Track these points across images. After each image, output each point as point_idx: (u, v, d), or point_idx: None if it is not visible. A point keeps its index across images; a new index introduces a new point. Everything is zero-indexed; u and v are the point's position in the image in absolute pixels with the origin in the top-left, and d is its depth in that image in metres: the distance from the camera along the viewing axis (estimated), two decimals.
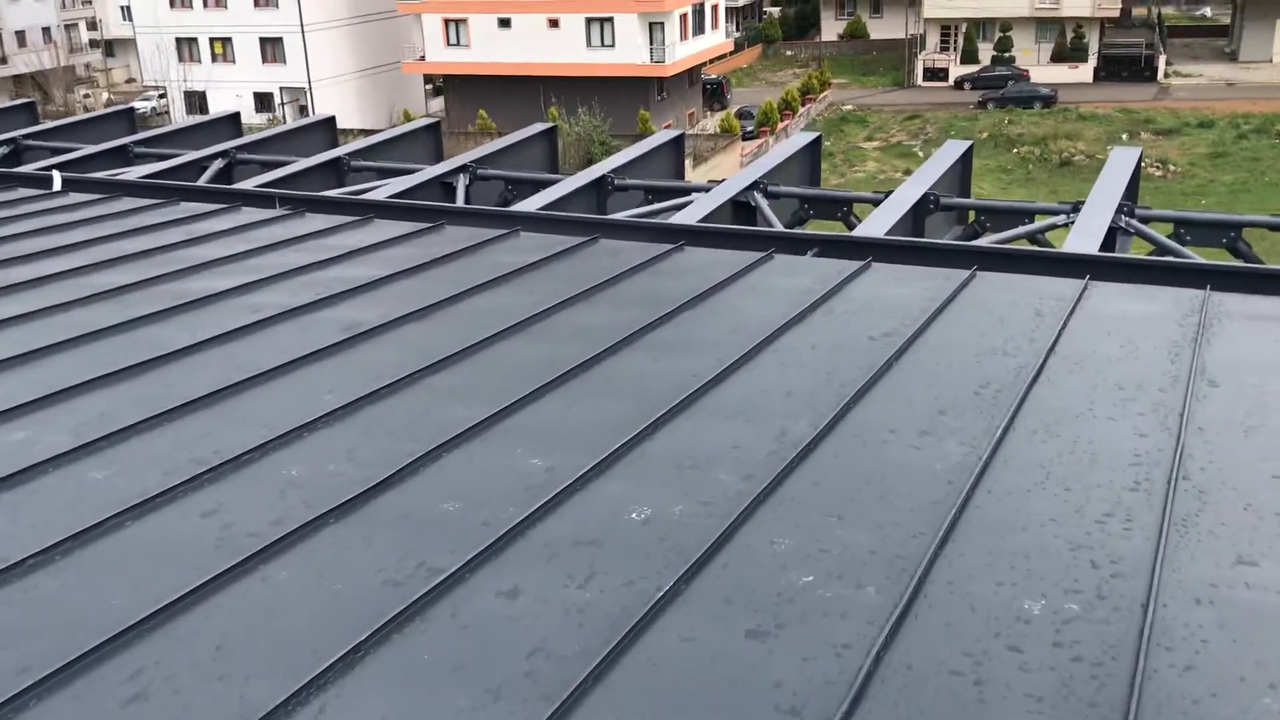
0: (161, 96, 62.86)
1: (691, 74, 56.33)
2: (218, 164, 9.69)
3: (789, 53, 71.49)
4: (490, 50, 53.19)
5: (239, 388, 4.16)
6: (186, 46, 61.61)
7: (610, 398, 4.04)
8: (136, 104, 65.15)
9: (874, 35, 70.38)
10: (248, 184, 8.69)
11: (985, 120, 52.00)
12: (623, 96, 50.64)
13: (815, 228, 7.92)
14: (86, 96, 67.98)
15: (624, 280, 5.51)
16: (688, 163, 44.90)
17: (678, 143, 9.74)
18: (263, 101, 59.89)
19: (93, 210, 7.29)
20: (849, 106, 56.73)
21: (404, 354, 4.48)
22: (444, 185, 8.80)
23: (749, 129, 51.07)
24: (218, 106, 59.16)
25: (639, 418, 3.77)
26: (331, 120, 11.30)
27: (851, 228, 7.97)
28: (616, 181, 8.54)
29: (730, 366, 4.25)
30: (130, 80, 72.28)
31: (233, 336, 4.75)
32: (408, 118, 56.30)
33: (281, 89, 59.89)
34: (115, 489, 3.35)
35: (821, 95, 57.27)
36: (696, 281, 5.34)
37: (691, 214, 7.32)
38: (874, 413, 3.85)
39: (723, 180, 8.27)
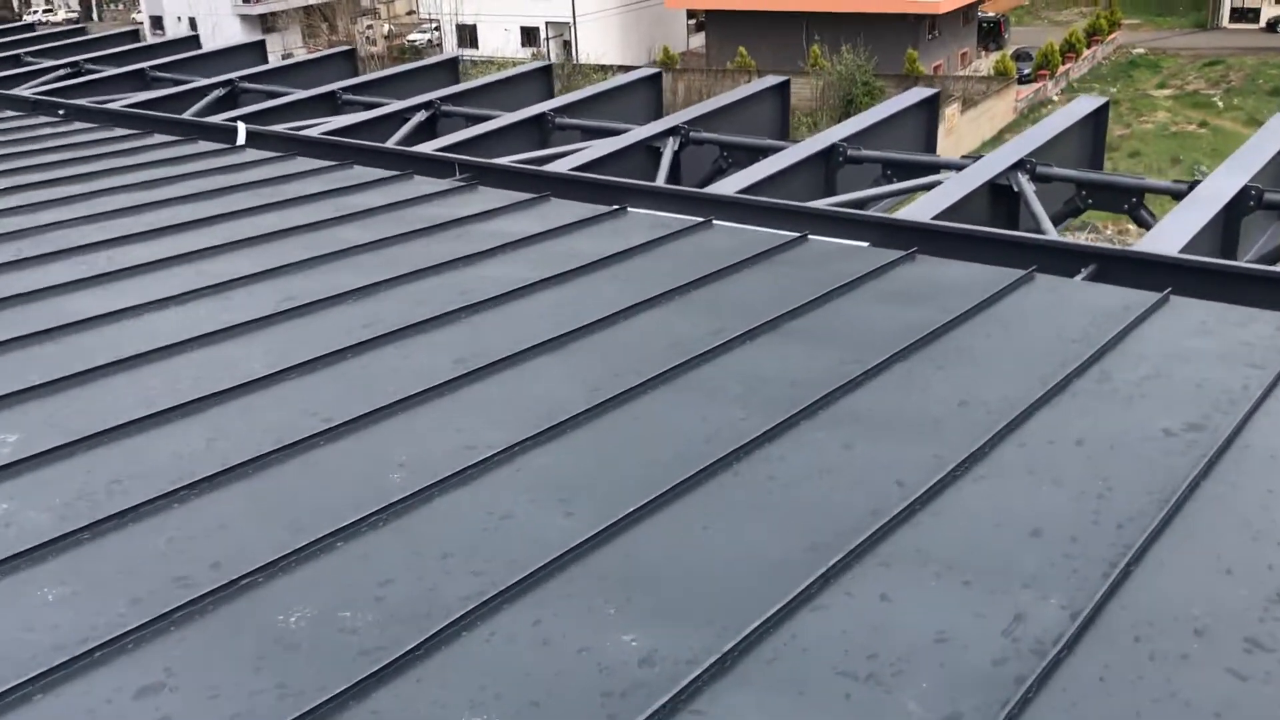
0: (437, 29, 64.43)
1: (966, 11, 52.79)
2: (420, 116, 8.90)
3: None
4: None
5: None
6: None
7: (753, 520, 2.84)
8: (414, 35, 67.29)
9: None
10: (441, 142, 7.86)
11: None
12: (889, 34, 47.96)
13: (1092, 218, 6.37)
14: (370, 28, 70.44)
15: (830, 304, 4.26)
16: (954, 108, 42.10)
17: (930, 104, 8.24)
18: (529, 36, 60.36)
19: (258, 172, 6.58)
20: (1140, 50, 51.87)
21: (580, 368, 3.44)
22: (650, 149, 7.69)
23: (1026, 72, 47.42)
24: (487, 40, 60.14)
25: (785, 556, 2.59)
26: (548, 69, 10.35)
27: (1142, 224, 6.36)
28: (850, 152, 7.18)
29: (948, 475, 2.96)
30: (410, 12, 74.45)
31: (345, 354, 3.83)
32: (667, 55, 55.58)
33: (547, 24, 60.14)
34: None
35: (1110, 37, 52.54)
36: (919, 316, 4.03)
37: (936, 200, 5.93)
38: (1164, 585, 2.51)
39: (979, 156, 6.79)
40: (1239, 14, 54.30)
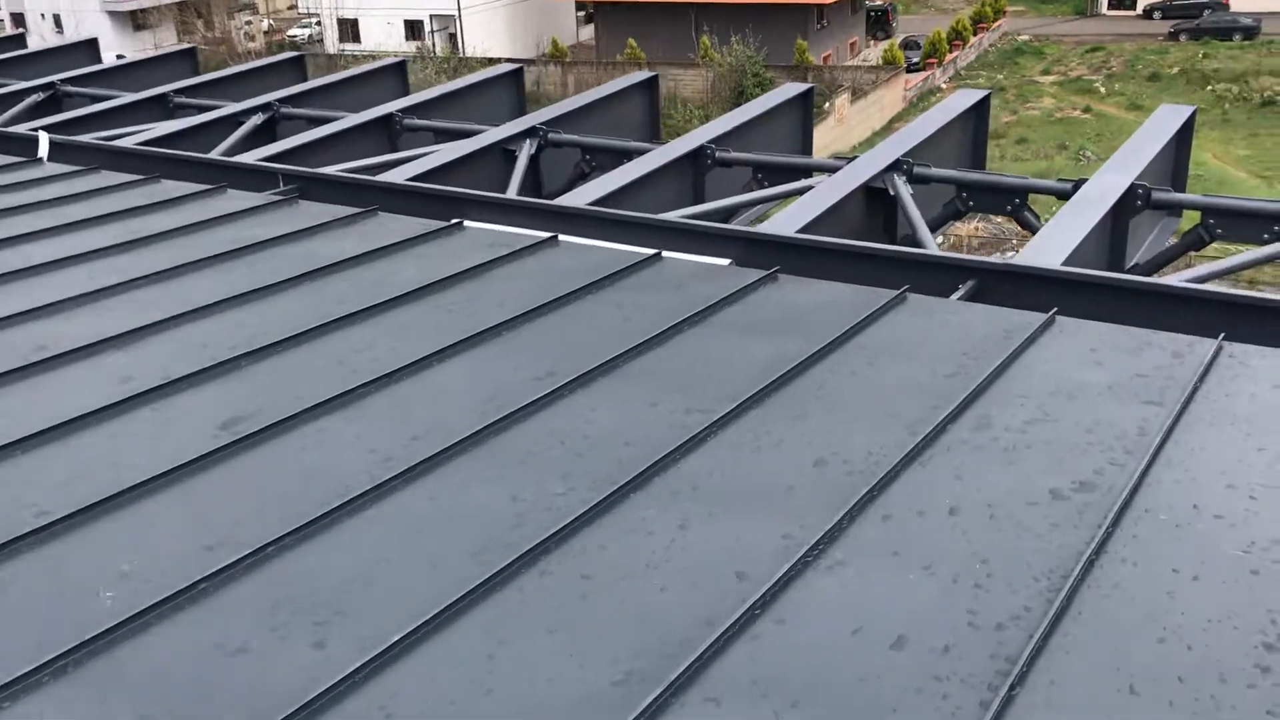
0: (318, 24, 62.75)
1: (854, 0, 53.01)
2: (256, 119, 8.17)
3: None
4: None
5: None
6: None
7: (556, 641, 2.28)
8: (294, 31, 65.39)
9: None
10: (272, 149, 7.16)
11: (1176, 54, 47.37)
12: (780, 24, 47.86)
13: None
14: (248, 23, 68.29)
15: (679, 338, 3.72)
16: (844, 98, 42.12)
17: (804, 100, 7.77)
18: (413, 29, 59.03)
19: (49, 190, 5.81)
20: (1025, 37, 52.60)
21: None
22: (506, 153, 7.08)
23: (915, 61, 47.69)
24: (370, 34, 58.65)
25: (590, 691, 2.04)
26: (401, 65, 9.66)
27: (1026, 226, 5.95)
28: (719, 154, 6.67)
29: (798, 563, 2.44)
30: (291, 6, 72.28)
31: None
32: (556, 47, 54.83)
33: (431, 16, 58.88)
34: None
35: (995, 24, 53.20)
36: (778, 349, 3.51)
37: (808, 207, 5.44)
38: (1053, 715, 2.02)
39: (853, 157, 6.32)
40: (1118, 1, 55.41)
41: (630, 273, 4.34)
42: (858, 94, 43.28)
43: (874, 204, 5.92)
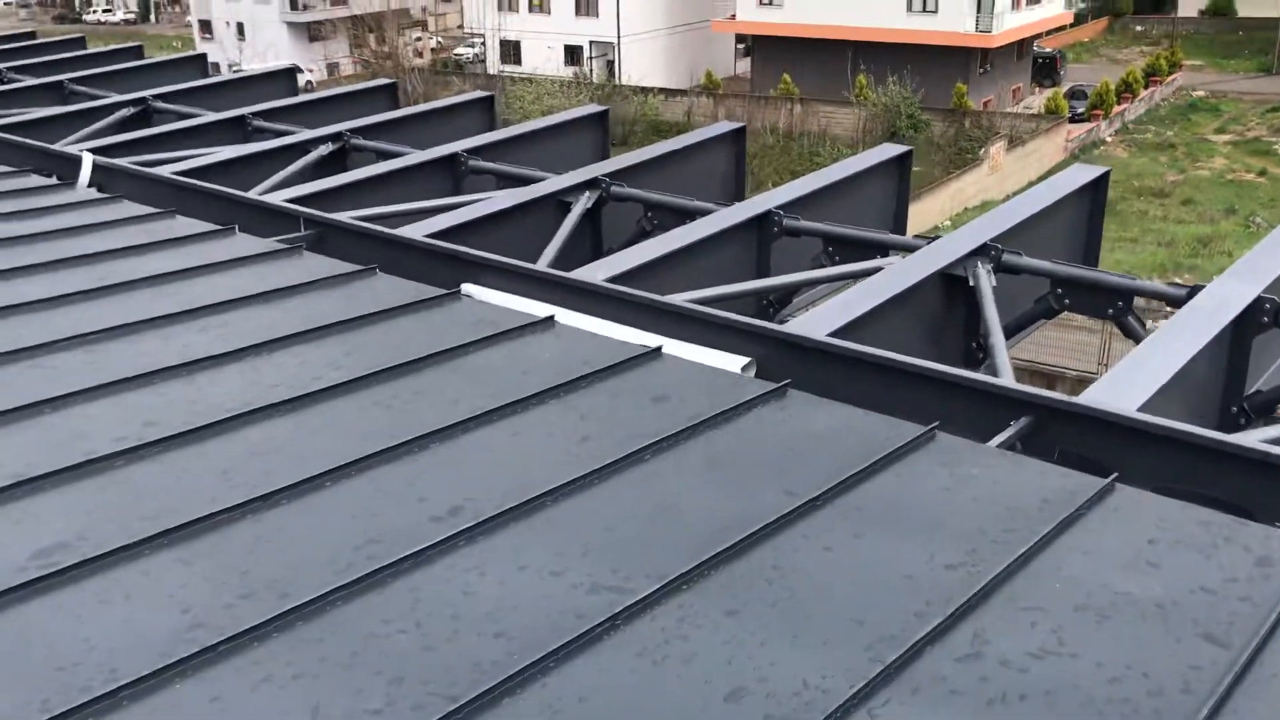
0: (483, 44, 63.87)
1: (1021, 46, 51.23)
2: (324, 149, 7.78)
3: (1139, 28, 64.38)
4: (802, 11, 50.12)
5: None
6: None
7: None
8: (460, 50, 66.73)
9: (1242, 13, 62.07)
10: (318, 185, 6.73)
11: None
12: (939, 66, 46.48)
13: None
14: (418, 40, 70.04)
15: (618, 479, 3.03)
16: (999, 146, 40.52)
17: (901, 163, 6.97)
18: (572, 55, 59.49)
19: (50, 221, 5.44)
20: (1200, 92, 49.99)
21: None
22: (561, 204, 6.49)
23: (1079, 111, 45.73)
24: (531, 58, 59.33)
25: None
26: (489, 100, 9.18)
27: (1129, 334, 5.06)
28: (786, 222, 5.94)
29: None
30: (459, 26, 73.78)
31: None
32: (710, 79, 54.42)
33: (591, 43, 59.22)
34: None
35: (1170, 78, 50.71)
36: (750, 499, 2.80)
37: (866, 295, 4.69)
38: None
39: (935, 236, 5.51)
40: None
41: (612, 374, 3.67)
42: (1015, 142, 41.64)
43: (953, 295, 5.11)
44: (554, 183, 6.64)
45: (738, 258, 6.01)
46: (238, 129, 8.61)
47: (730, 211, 6.05)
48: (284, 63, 8.99)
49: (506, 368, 3.74)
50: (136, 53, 11.95)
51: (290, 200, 6.52)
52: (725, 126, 7.71)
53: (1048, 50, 54.30)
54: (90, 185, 6.60)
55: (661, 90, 52.39)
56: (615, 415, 3.41)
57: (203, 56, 11.38)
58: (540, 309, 4.50)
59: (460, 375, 3.69)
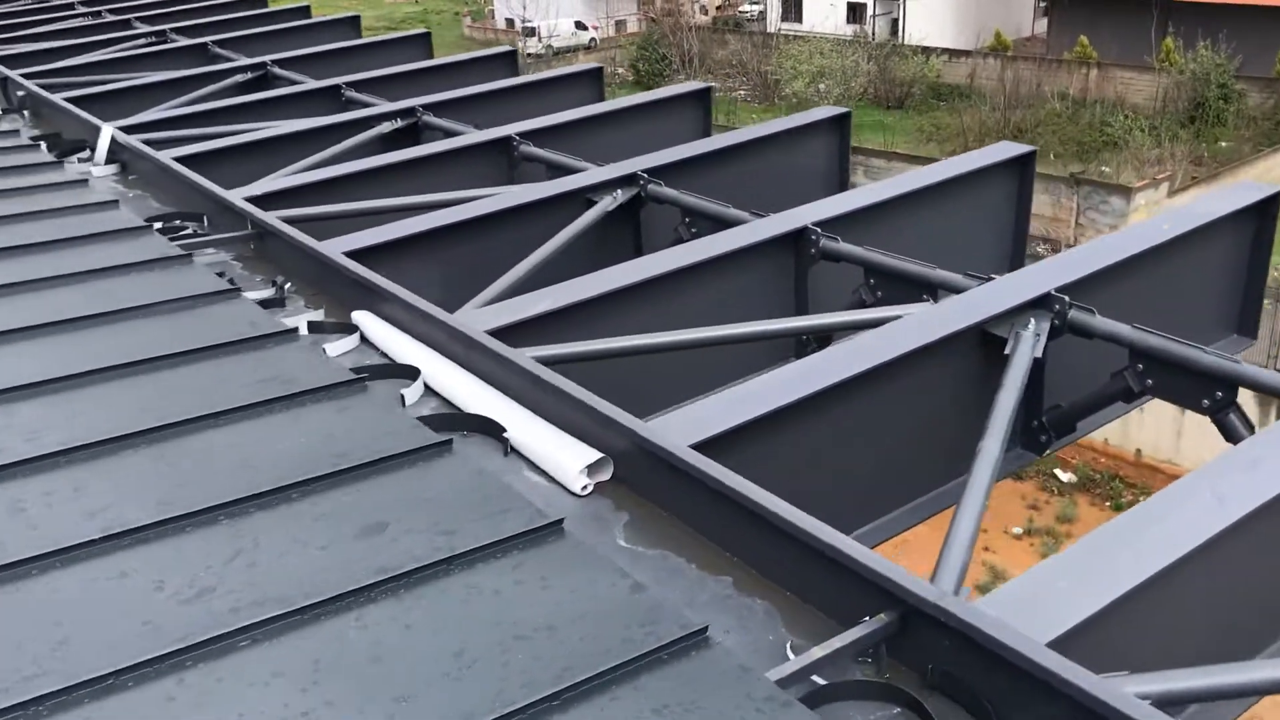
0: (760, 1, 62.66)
1: None
2: (389, 125, 7.10)
3: None
4: None
5: None
6: None
7: None
8: (745, 7, 65.64)
9: None
10: (367, 163, 6.09)
11: None
12: (1261, 29, 41.36)
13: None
14: None
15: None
16: None
17: (1023, 166, 5.50)
18: (855, 12, 57.21)
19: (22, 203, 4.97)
20: None
21: None
22: (589, 202, 5.50)
23: None
24: (811, 14, 57.47)
25: None
26: (598, 73, 8.19)
27: (1229, 435, 3.58)
28: (824, 242, 4.70)
29: None
30: None
31: None
32: (999, 39, 50.71)
33: (875, 0, 56.71)
34: None
35: None
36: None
37: (883, 346, 3.50)
38: None
39: (989, 277, 4.15)
40: None
41: (356, 478, 2.71)
42: None
43: (992, 356, 3.79)
44: (585, 177, 5.66)
45: (771, 283, 4.85)
46: (334, 98, 8.07)
47: (759, 226, 4.88)
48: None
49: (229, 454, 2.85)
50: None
51: (314, 183, 5.89)
52: (826, 112, 6.43)
53: None
54: (109, 162, 6.19)
55: (945, 51, 49.38)
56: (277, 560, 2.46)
57: (356, 18, 10.94)
58: (420, 355, 3.62)
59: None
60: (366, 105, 7.69)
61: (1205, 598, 2.66)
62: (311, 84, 8.19)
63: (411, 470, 2.77)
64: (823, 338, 4.71)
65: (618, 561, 2.59)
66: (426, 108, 7.25)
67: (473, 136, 6.58)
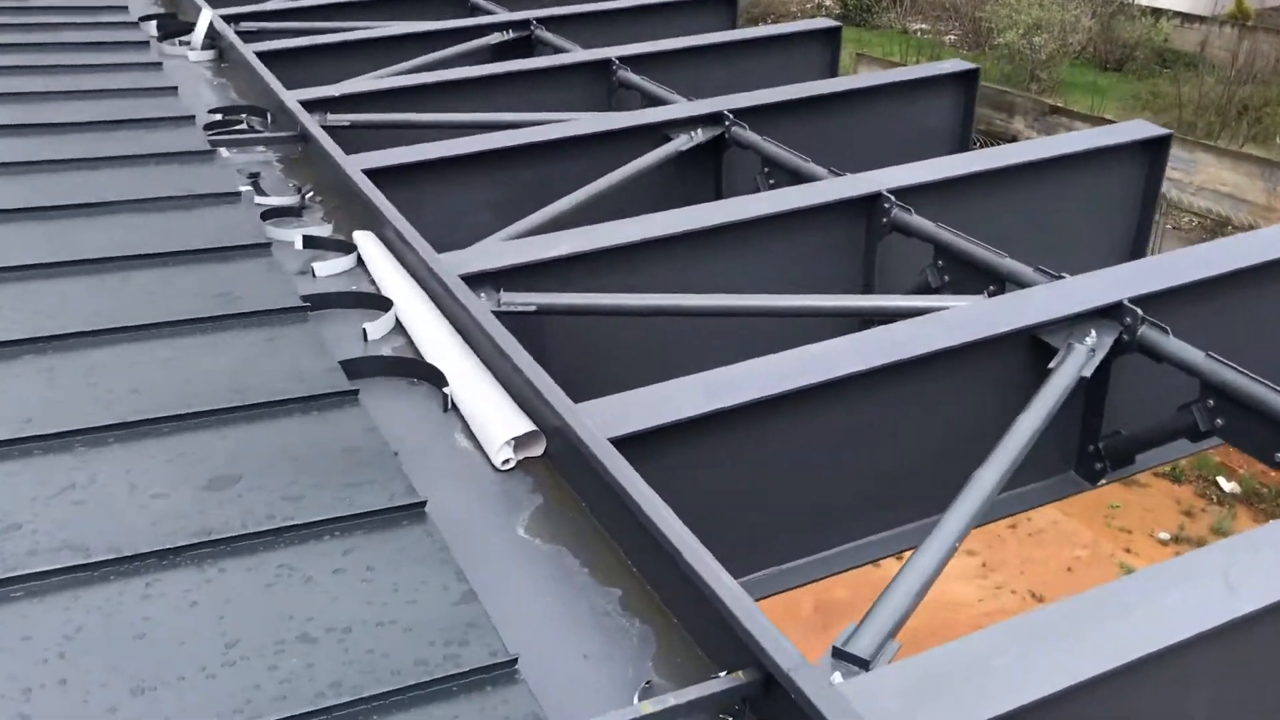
0: None
1: None
2: (500, 37, 6.81)
3: None
4: None
5: None
6: None
7: None
8: None
9: None
10: (462, 73, 5.83)
11: None
12: None
13: None
14: None
15: None
16: None
17: (1157, 149, 4.82)
18: None
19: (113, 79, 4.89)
20: None
21: None
22: (665, 138, 5.10)
23: None
24: None
25: None
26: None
27: None
28: (896, 213, 4.20)
29: None
30: None
31: None
32: (1240, 6, 46.72)
33: None
34: None
35: None
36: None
37: (914, 336, 3.07)
38: None
39: (1060, 275, 3.60)
40: None
41: (238, 419, 2.46)
42: None
43: (1040, 364, 3.27)
44: (666, 111, 5.25)
45: (839, 254, 4.39)
46: (459, 2, 7.81)
47: (829, 185, 4.41)
48: None
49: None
50: None
51: (389, 90, 5.65)
52: (954, 66, 5.82)
53: None
54: (211, 47, 6.10)
55: (1178, 14, 46.00)
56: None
57: None
58: (402, 287, 3.37)
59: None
60: (489, 13, 7.42)
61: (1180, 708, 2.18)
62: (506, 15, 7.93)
63: (302, 419, 2.51)
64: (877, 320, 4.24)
65: (511, 554, 2.30)
66: (540, 21, 6.92)
67: (570, 57, 6.23)
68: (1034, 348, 3.31)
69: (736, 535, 3.02)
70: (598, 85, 6.13)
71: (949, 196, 4.34)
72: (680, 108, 5.26)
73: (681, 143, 5.00)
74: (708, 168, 5.24)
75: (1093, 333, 3.26)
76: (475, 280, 3.49)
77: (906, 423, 3.14)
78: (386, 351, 3.11)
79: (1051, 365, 3.17)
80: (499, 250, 3.80)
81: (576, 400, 2.61)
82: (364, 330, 3.16)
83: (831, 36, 6.67)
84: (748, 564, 3.02)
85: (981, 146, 7.01)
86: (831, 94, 5.46)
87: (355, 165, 4.06)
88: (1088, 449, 3.55)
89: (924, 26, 52.03)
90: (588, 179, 4.69)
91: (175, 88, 4.90)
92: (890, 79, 5.65)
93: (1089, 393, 3.41)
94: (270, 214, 3.88)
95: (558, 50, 6.60)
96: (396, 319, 3.27)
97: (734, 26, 7.56)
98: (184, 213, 3.58)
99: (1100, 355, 3.21)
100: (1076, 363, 3.15)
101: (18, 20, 5.62)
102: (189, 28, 6.48)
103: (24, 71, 4.85)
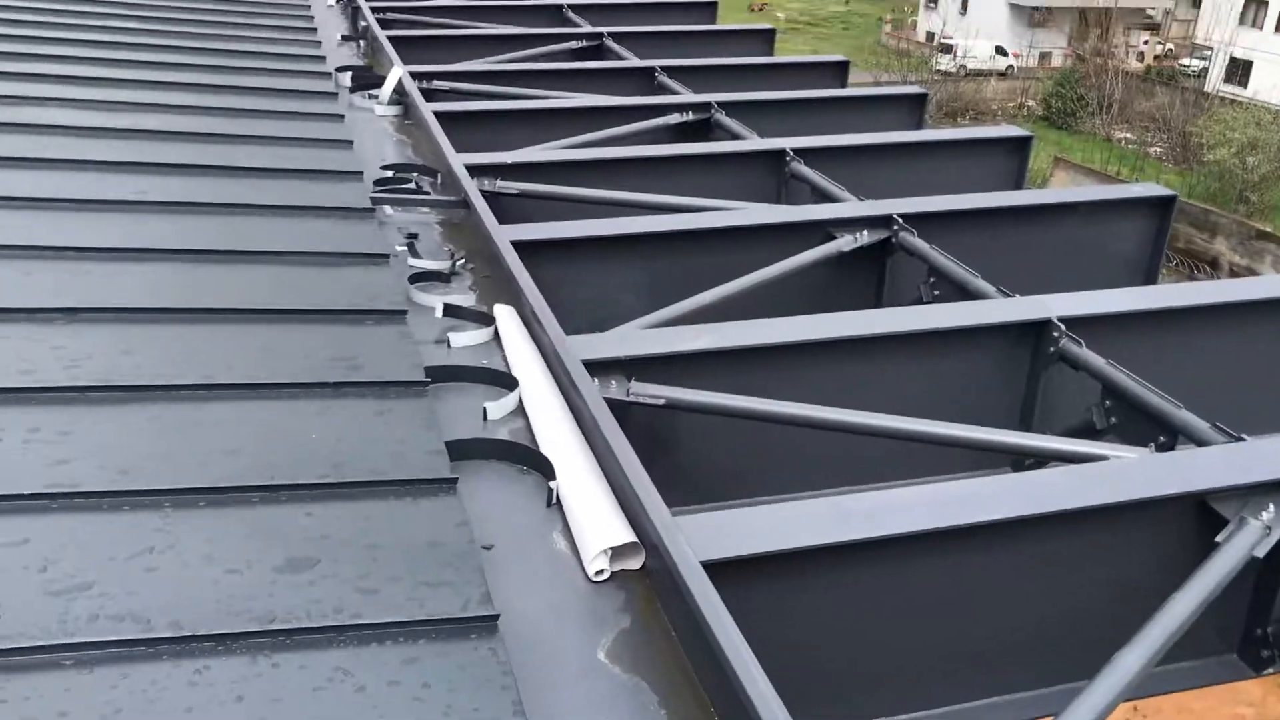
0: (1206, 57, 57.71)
1: None
2: (679, 117, 6.77)
3: None
4: None
5: None
6: (1254, 9, 55.12)
7: None
8: (1186, 60, 60.59)
9: None
10: (591, 153, 5.78)
11: None
12: None
13: None
14: (1145, 43, 65.11)
15: None
16: None
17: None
18: None
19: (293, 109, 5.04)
20: None
21: None
22: (829, 236, 4.92)
23: None
24: (1260, 79, 52.23)
25: None
26: (921, 99, 7.44)
27: None
28: (1064, 343, 3.90)
29: None
30: (1187, 37, 66.92)
31: None
32: None
33: None
34: None
35: None
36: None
37: (1035, 493, 2.80)
38: None
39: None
40: None
41: (328, 497, 2.37)
42: None
43: (1205, 539, 2.94)
44: (832, 209, 5.08)
45: (989, 374, 4.11)
46: (647, 80, 7.85)
47: (995, 306, 4.14)
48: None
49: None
50: None
51: (560, 162, 5.65)
52: (1150, 190, 5.47)
53: None
54: (398, 103, 6.24)
55: None
56: None
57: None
58: (532, 367, 3.28)
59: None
60: (674, 93, 7.41)
61: None
62: (628, 62, 8.00)
63: (394, 504, 2.41)
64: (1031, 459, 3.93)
65: (584, 681, 2.13)
66: (722, 105, 6.86)
67: (743, 144, 6.13)
68: (1201, 515, 2.97)
69: (847, 680, 2.78)
70: (769, 175, 6.00)
71: (1126, 331, 4.01)
72: (848, 207, 5.08)
73: (845, 243, 4.81)
74: (870, 272, 5.03)
75: (1271, 507, 2.91)
76: (606, 367, 3.36)
77: (1047, 581, 2.85)
78: (504, 433, 3.01)
79: (1219, 538, 2.84)
80: (638, 338, 3.68)
81: (701, 506, 2.45)
82: (484, 409, 3.06)
83: (1021, 146, 6.39)
84: (850, 712, 2.77)
85: (1177, 266, 6.66)
86: (1011, 207, 5.19)
87: (505, 235, 4.01)
88: (1254, 633, 3.17)
89: (1129, 136, 50.29)
90: (742, 271, 4.54)
91: (351, 141, 4.98)
92: (1077, 197, 5.35)
93: (1261, 572, 3.05)
94: (418, 277, 3.85)
95: (735, 136, 6.52)
96: (520, 401, 3.16)
97: (922, 124, 7.36)
98: (328, 269, 3.58)
99: (1278, 533, 2.86)
100: (1249, 539, 2.81)
101: (216, 62, 5.85)
102: (379, 81, 6.66)
103: (207, 112, 5.01)
